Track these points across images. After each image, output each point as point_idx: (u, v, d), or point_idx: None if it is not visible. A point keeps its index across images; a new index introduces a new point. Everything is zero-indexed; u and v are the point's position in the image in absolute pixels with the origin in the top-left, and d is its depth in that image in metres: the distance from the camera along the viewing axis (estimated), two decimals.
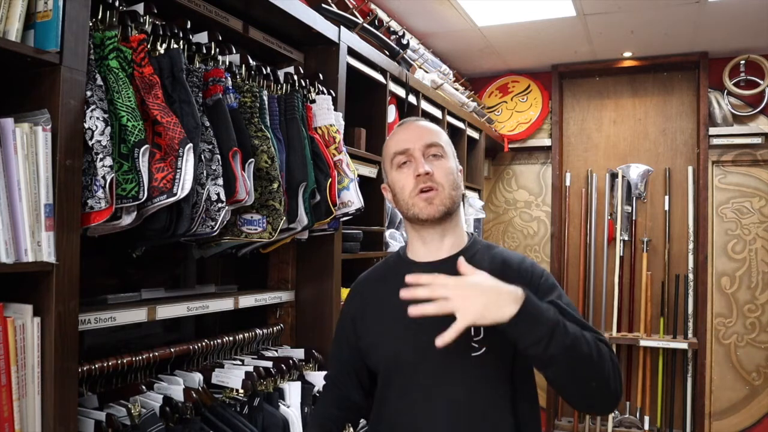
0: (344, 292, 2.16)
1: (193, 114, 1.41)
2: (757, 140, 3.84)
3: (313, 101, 2.00)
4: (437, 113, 3.16)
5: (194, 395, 1.55)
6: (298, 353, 2.02)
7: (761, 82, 3.78)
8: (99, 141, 1.21)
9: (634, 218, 4.11)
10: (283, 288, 2.15)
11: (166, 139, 1.34)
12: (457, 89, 3.66)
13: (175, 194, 1.31)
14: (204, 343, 1.73)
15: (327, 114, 2.01)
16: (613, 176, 4.17)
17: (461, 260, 1.07)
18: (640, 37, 3.62)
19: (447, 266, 1.24)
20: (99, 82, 1.26)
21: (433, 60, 3.50)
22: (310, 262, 2.15)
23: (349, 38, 2.24)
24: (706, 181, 3.91)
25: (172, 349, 1.62)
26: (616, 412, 4.01)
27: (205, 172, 1.43)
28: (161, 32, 1.45)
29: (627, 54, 3.98)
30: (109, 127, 1.23)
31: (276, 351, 2.03)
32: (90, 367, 1.38)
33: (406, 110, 2.80)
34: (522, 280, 1.19)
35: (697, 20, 3.32)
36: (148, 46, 1.40)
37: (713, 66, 3.90)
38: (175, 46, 1.49)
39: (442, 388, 1.16)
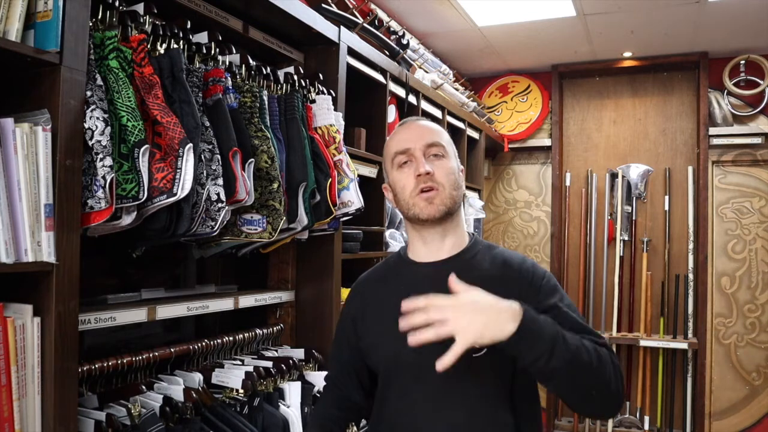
0: (344, 292, 2.16)
1: (193, 114, 1.41)
2: (757, 140, 3.84)
3: (313, 101, 2.00)
4: (437, 113, 3.16)
5: (194, 395, 1.55)
6: (298, 353, 2.02)
7: (761, 82, 3.78)
8: (99, 141, 1.21)
9: (634, 218, 4.11)
10: (283, 288, 2.15)
11: (166, 139, 1.34)
12: (457, 89, 3.66)
13: (175, 194, 1.31)
14: (204, 343, 1.73)
15: (327, 114, 2.01)
16: (613, 176, 4.17)
17: (453, 278, 1.04)
18: (640, 37, 3.62)
19: (448, 266, 1.23)
20: (99, 82, 1.26)
21: (433, 60, 3.50)
22: (310, 262, 2.15)
23: (349, 38, 2.24)
24: (706, 181, 3.91)
25: (172, 349, 1.62)
26: None
27: (205, 172, 1.43)
28: (161, 32, 1.45)
29: (627, 54, 3.98)
30: (109, 127, 1.23)
31: (276, 351, 2.03)
32: (90, 367, 1.38)
33: (406, 110, 2.80)
34: (523, 280, 1.19)
35: (697, 20, 3.32)
36: (148, 46, 1.40)
37: (713, 66, 3.90)
38: (175, 46, 1.49)
39: (442, 389, 1.16)
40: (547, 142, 4.33)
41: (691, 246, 3.94)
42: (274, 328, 2.07)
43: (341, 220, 2.07)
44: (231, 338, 1.84)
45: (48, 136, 1.16)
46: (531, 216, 4.46)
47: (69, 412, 1.20)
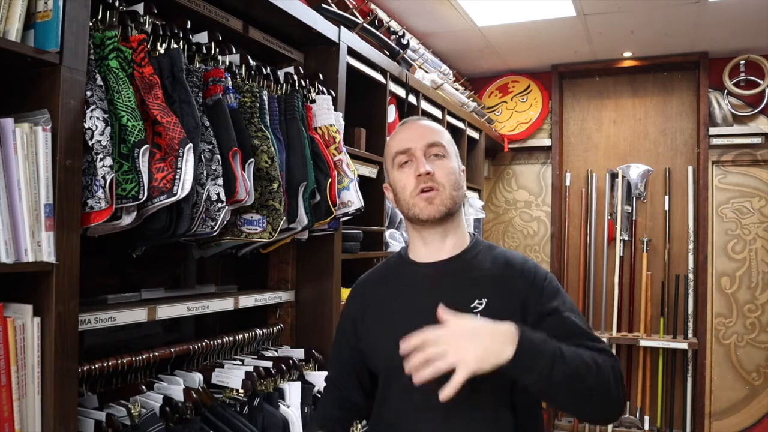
0: (344, 292, 2.16)
1: (193, 114, 1.41)
2: (757, 140, 3.84)
3: (313, 101, 2.00)
4: (437, 113, 3.16)
5: (194, 395, 1.55)
6: (298, 353, 2.02)
7: (761, 82, 3.78)
8: (99, 141, 1.21)
9: (634, 218, 4.11)
10: (283, 288, 2.15)
11: (166, 139, 1.34)
12: (457, 89, 3.66)
13: (175, 194, 1.31)
14: (204, 343, 1.73)
15: (327, 114, 2.01)
16: (613, 176, 4.17)
17: (441, 308, 1.03)
18: (640, 37, 3.62)
19: (449, 267, 1.23)
20: (99, 82, 1.26)
21: (433, 60, 3.50)
22: (310, 262, 2.15)
23: (349, 38, 2.24)
24: (706, 181, 3.91)
25: (172, 349, 1.62)
26: None
27: (205, 172, 1.43)
28: (161, 32, 1.45)
29: (627, 54, 3.98)
30: (109, 127, 1.23)
31: (276, 351, 2.03)
32: (90, 367, 1.38)
33: (406, 110, 2.80)
34: (525, 281, 1.19)
35: (697, 20, 3.32)
36: (148, 46, 1.40)
37: (713, 66, 3.90)
38: (175, 46, 1.49)
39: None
40: (547, 142, 4.33)
41: (691, 246, 3.94)
42: (274, 328, 2.07)
43: (341, 220, 2.07)
44: (231, 338, 1.84)
45: (48, 136, 1.16)
46: (531, 216, 4.46)
47: (69, 412, 1.20)
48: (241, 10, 1.81)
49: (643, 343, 3.88)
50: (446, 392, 0.97)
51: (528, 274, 1.20)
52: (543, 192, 4.42)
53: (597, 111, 4.29)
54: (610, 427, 3.96)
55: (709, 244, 3.92)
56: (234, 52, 1.72)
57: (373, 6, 2.79)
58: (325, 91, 2.05)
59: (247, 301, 1.91)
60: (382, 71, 2.54)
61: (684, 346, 3.81)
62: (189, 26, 1.54)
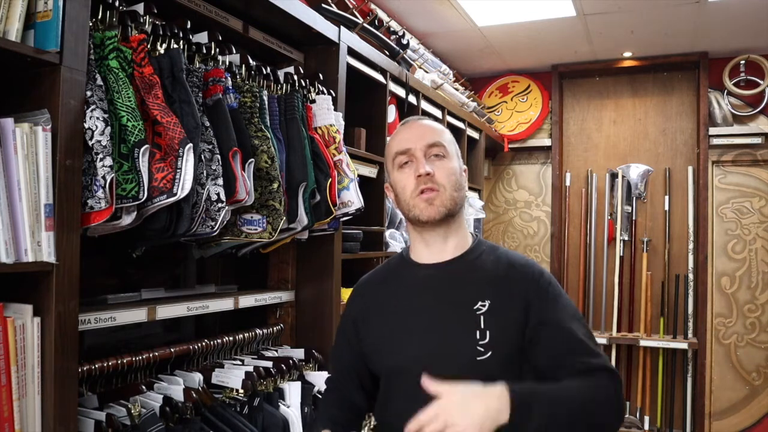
0: (344, 292, 2.16)
1: (193, 114, 1.41)
2: (757, 140, 3.84)
3: (313, 101, 2.00)
4: (437, 113, 3.16)
5: (194, 395, 1.55)
6: (298, 353, 2.02)
7: (761, 82, 3.78)
8: (99, 141, 1.21)
9: (634, 218, 4.11)
10: (283, 288, 2.15)
11: (166, 139, 1.34)
12: (457, 89, 3.66)
13: (175, 194, 1.31)
14: (204, 343, 1.73)
15: (327, 114, 2.01)
16: (613, 176, 4.17)
17: (425, 380, 1.03)
18: (640, 37, 3.62)
19: (452, 268, 1.23)
20: (99, 82, 1.26)
21: (433, 60, 3.50)
22: (310, 262, 2.15)
23: (349, 38, 2.24)
24: (706, 181, 3.91)
25: (172, 349, 1.62)
26: None
27: (205, 172, 1.43)
28: (161, 32, 1.45)
29: (627, 54, 3.98)
30: (109, 127, 1.23)
31: (276, 351, 2.02)
32: (90, 367, 1.38)
33: (406, 110, 2.80)
34: (528, 283, 1.18)
35: (697, 20, 3.32)
36: (148, 46, 1.40)
37: (713, 66, 3.90)
38: (175, 46, 1.49)
39: None
40: (547, 142, 4.33)
41: (691, 246, 3.94)
42: (274, 328, 2.07)
43: (341, 220, 2.07)
44: (231, 338, 1.84)
45: (48, 136, 1.16)
46: (531, 216, 4.46)
47: (69, 412, 1.20)
48: (241, 10, 1.81)
49: (643, 343, 3.88)
50: None
51: (532, 278, 1.19)
52: (543, 192, 4.42)
53: (597, 111, 4.29)
54: None
55: (709, 244, 3.92)
56: (234, 52, 1.72)
57: (373, 6, 2.79)
58: (325, 91, 2.05)
59: (247, 301, 1.91)
60: (382, 71, 2.54)
61: (684, 346, 3.81)
62: (189, 26, 1.54)
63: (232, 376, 1.70)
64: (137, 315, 1.50)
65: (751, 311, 3.86)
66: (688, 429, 3.89)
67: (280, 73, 1.91)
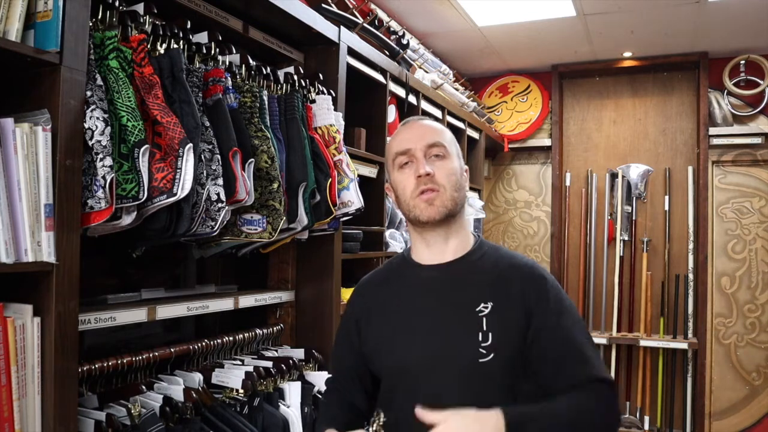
0: (344, 292, 2.16)
1: (193, 114, 1.41)
2: (757, 140, 3.84)
3: (313, 101, 2.00)
4: (437, 113, 3.16)
5: (194, 395, 1.55)
6: (298, 353, 2.02)
7: (761, 82, 3.78)
8: (99, 141, 1.21)
9: (634, 218, 4.11)
10: (283, 288, 2.15)
11: (166, 139, 1.34)
12: (457, 89, 3.66)
13: (175, 194, 1.31)
14: (204, 343, 1.73)
15: (327, 114, 2.01)
16: (613, 176, 4.17)
17: (419, 411, 1.04)
18: (640, 37, 3.62)
19: (454, 269, 1.22)
20: (99, 82, 1.26)
21: (433, 60, 3.50)
22: (310, 262, 2.15)
23: (349, 38, 2.24)
24: (706, 181, 3.91)
25: (172, 349, 1.62)
26: None
27: (205, 172, 1.43)
28: (161, 32, 1.45)
29: (627, 54, 3.98)
30: (109, 127, 1.23)
31: (276, 351, 2.02)
32: (90, 367, 1.38)
33: (406, 110, 2.80)
34: (530, 285, 1.18)
35: (697, 20, 3.32)
36: (148, 46, 1.40)
37: (713, 66, 3.90)
38: (175, 46, 1.49)
39: (447, 394, 1.15)
40: (547, 142, 4.33)
41: (691, 246, 3.94)
42: (274, 328, 2.07)
43: (341, 220, 2.07)
44: (231, 338, 1.84)
45: (48, 136, 1.16)
46: (531, 216, 4.46)
47: (69, 412, 1.20)
48: (241, 10, 1.81)
49: (643, 343, 3.88)
50: None
51: (534, 281, 1.18)
52: (543, 192, 4.42)
53: (597, 111, 4.29)
54: None
55: (709, 244, 3.92)
56: (234, 52, 1.72)
57: (373, 6, 2.79)
58: (325, 91, 2.05)
59: (247, 301, 1.91)
60: (382, 71, 2.54)
61: (684, 346, 3.81)
62: (189, 26, 1.54)
63: (232, 376, 1.70)
64: (137, 315, 1.50)
65: (751, 311, 3.86)
66: (688, 429, 3.89)
67: (280, 73, 1.91)
